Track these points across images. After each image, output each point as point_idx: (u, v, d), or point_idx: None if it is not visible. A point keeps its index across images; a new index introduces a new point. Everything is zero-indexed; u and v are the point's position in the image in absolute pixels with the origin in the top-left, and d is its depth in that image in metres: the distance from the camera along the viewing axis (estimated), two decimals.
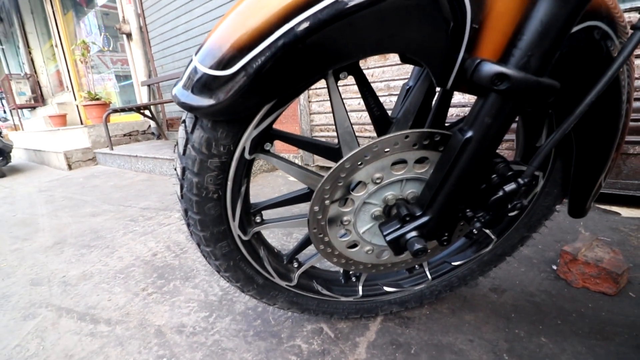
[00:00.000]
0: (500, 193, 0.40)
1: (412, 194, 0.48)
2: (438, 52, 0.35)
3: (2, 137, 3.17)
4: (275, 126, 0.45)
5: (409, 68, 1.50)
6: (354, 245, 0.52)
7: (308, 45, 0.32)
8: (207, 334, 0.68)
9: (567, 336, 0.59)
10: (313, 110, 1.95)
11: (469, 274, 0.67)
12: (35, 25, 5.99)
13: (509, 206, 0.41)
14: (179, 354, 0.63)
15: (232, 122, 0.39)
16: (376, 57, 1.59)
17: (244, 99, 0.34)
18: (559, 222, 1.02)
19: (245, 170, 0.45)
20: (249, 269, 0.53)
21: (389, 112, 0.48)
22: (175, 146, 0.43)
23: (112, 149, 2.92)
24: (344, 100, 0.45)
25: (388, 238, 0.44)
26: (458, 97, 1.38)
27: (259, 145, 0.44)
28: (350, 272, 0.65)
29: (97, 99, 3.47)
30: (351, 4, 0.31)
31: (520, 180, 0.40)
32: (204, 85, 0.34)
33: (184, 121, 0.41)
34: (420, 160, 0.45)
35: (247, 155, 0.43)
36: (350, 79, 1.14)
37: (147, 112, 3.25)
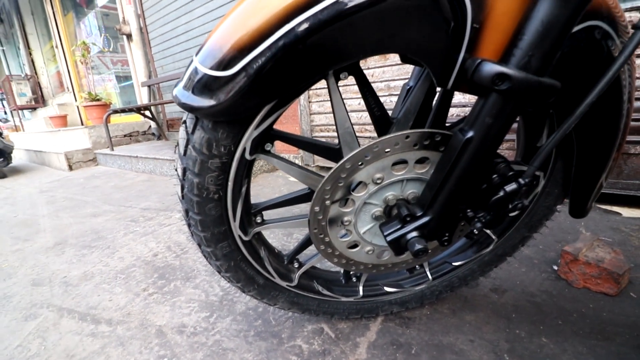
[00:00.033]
0: (501, 193, 0.40)
1: (412, 194, 0.48)
2: (438, 52, 0.35)
3: (2, 138, 3.17)
4: (276, 126, 0.45)
5: (409, 68, 1.50)
6: (355, 246, 0.52)
7: (308, 46, 0.32)
8: (207, 334, 0.68)
9: (568, 336, 0.59)
10: (313, 110, 1.95)
11: (469, 274, 0.67)
12: (36, 27, 6.00)
13: (510, 206, 0.41)
14: (180, 354, 0.63)
15: (233, 123, 0.39)
16: (376, 57, 1.59)
17: (244, 100, 0.34)
18: (560, 222, 1.02)
19: (245, 170, 0.45)
20: (249, 269, 0.53)
21: (390, 113, 0.48)
22: (176, 147, 0.43)
23: (112, 150, 2.92)
24: (344, 101, 0.45)
25: (389, 238, 0.44)
26: (458, 97, 1.37)
27: (260, 145, 0.44)
28: (351, 273, 0.65)
29: (98, 100, 3.47)
30: (351, 4, 0.31)
31: (521, 180, 0.40)
32: (204, 85, 0.34)
33: (184, 122, 0.41)
34: (420, 161, 0.45)
35: (247, 156, 0.43)
36: (350, 79, 1.14)
37: (147, 113, 3.25)
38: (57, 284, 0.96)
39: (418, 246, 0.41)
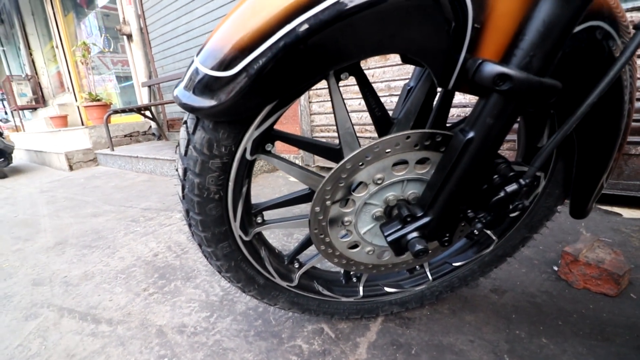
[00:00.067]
0: (502, 194, 0.40)
1: (413, 195, 0.48)
2: (439, 52, 0.35)
3: (3, 138, 3.18)
4: (276, 127, 0.45)
5: (409, 68, 1.50)
6: (355, 246, 0.52)
7: (309, 46, 0.32)
8: (208, 334, 0.68)
9: (567, 337, 0.59)
10: (313, 110, 1.95)
11: (469, 275, 0.67)
12: (36, 27, 6.01)
13: (511, 207, 0.41)
14: (180, 354, 0.63)
15: (234, 123, 0.39)
16: (377, 57, 1.59)
17: (245, 100, 0.34)
18: (560, 222, 1.02)
19: (246, 171, 0.45)
20: (250, 269, 0.53)
21: (390, 113, 0.48)
22: (177, 147, 0.43)
23: (113, 150, 2.92)
24: (345, 101, 0.45)
25: (389, 239, 0.44)
26: (459, 97, 1.37)
27: (260, 146, 0.44)
28: (351, 273, 0.65)
29: (98, 100, 3.48)
30: (352, 4, 0.31)
31: (521, 181, 0.40)
32: (205, 86, 0.34)
33: (185, 122, 0.41)
34: (421, 161, 0.45)
35: (248, 156, 0.43)
36: (351, 80, 1.14)
37: (147, 113, 3.25)
38: (57, 284, 0.96)
39: (418, 247, 0.41)
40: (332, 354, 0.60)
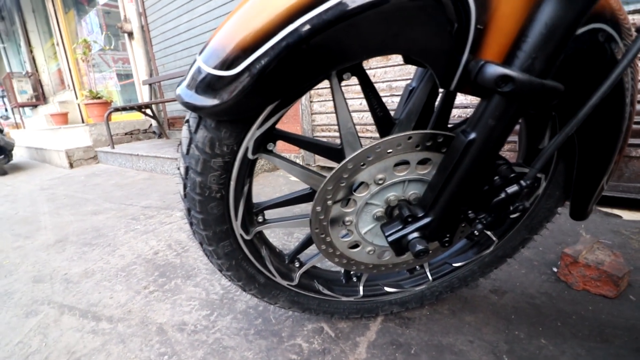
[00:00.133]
0: (503, 195, 0.40)
1: (414, 195, 0.48)
2: (442, 53, 0.35)
3: (3, 135, 3.18)
4: (277, 126, 0.45)
5: (411, 69, 1.50)
6: (356, 246, 0.52)
7: (312, 46, 0.32)
8: (208, 332, 0.68)
9: (567, 338, 0.59)
10: (315, 110, 1.95)
11: (469, 275, 0.67)
12: (37, 24, 6.01)
13: (511, 208, 0.41)
14: (180, 352, 0.63)
15: (236, 122, 0.39)
16: (378, 57, 1.59)
17: (247, 99, 0.34)
18: (560, 224, 1.02)
19: (248, 170, 0.45)
20: (250, 268, 0.53)
21: (392, 113, 0.48)
22: (179, 145, 0.43)
23: (113, 148, 2.92)
24: (346, 101, 0.45)
25: (390, 239, 0.44)
26: (460, 98, 1.37)
27: (262, 145, 0.44)
28: (352, 272, 0.65)
29: (99, 98, 3.47)
30: (355, 5, 0.31)
31: (522, 182, 0.40)
32: (207, 85, 0.34)
33: (187, 121, 0.41)
34: (422, 162, 0.45)
35: (250, 155, 0.43)
36: (352, 79, 1.14)
37: (148, 111, 3.25)
38: (58, 281, 0.96)
39: (419, 247, 0.41)
40: (331, 353, 0.60)
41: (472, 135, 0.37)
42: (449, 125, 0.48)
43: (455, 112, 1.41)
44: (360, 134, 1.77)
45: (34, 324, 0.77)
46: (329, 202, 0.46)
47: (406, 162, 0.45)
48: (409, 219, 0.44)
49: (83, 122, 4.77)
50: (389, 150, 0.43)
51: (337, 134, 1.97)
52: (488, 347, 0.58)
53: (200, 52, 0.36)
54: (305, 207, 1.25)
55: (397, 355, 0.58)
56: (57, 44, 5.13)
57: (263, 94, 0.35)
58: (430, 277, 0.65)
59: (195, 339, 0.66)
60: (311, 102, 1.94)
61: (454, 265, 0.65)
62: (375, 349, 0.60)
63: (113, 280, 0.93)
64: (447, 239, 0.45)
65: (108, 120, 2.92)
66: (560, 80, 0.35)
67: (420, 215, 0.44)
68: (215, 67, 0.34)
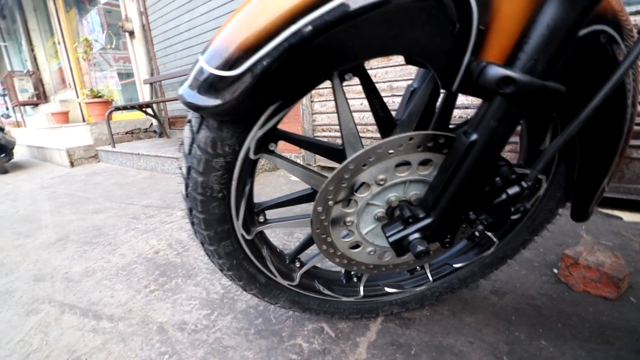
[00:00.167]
0: (504, 196, 0.40)
1: (415, 196, 0.48)
2: (444, 54, 0.36)
3: (4, 133, 3.18)
4: (278, 126, 0.45)
5: (411, 69, 1.50)
6: (357, 246, 0.52)
7: (314, 47, 0.32)
8: (208, 331, 0.68)
9: (567, 340, 0.59)
10: (315, 110, 1.95)
11: (470, 276, 0.67)
12: (38, 23, 6.01)
13: (512, 209, 0.41)
14: (181, 351, 0.63)
15: (238, 122, 0.39)
16: (379, 57, 1.59)
17: (250, 100, 0.34)
18: (561, 225, 1.02)
19: (249, 170, 0.45)
20: (251, 268, 0.53)
21: (393, 114, 0.48)
22: (181, 145, 0.43)
23: (114, 147, 2.93)
24: (348, 101, 0.45)
25: (391, 239, 0.44)
26: (460, 98, 1.37)
27: (264, 145, 0.44)
28: (352, 273, 0.66)
29: (100, 97, 3.48)
30: (357, 6, 0.31)
31: (523, 183, 0.40)
32: (210, 85, 0.35)
33: (189, 121, 0.41)
34: (424, 162, 0.45)
35: (251, 155, 0.43)
36: (352, 80, 1.14)
37: (149, 110, 3.26)
38: (58, 280, 0.96)
39: (420, 248, 0.41)
40: (332, 353, 0.60)
41: (474, 137, 0.37)
42: (451, 126, 0.49)
43: (456, 113, 1.41)
44: (360, 134, 1.77)
45: (34, 322, 0.77)
46: (330, 203, 0.46)
47: (407, 163, 0.45)
48: (410, 220, 0.44)
49: (84, 121, 4.78)
50: (390, 151, 0.43)
51: (337, 134, 1.97)
52: (488, 348, 0.58)
53: (203, 52, 0.36)
54: (306, 207, 1.25)
55: (397, 355, 0.58)
56: (59, 43, 5.13)
57: (265, 95, 0.35)
58: (430, 278, 0.65)
59: (196, 339, 0.66)
60: (312, 102, 1.95)
61: (455, 266, 0.65)
62: (376, 350, 0.60)
63: (114, 279, 0.93)
64: (448, 239, 0.46)
65: (109, 119, 2.93)
66: (562, 82, 0.35)
67: (421, 216, 0.44)
68: (217, 68, 0.34)
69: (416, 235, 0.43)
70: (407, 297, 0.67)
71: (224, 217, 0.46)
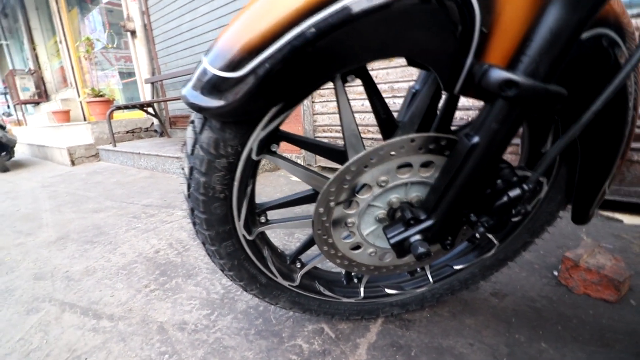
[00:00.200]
0: (505, 198, 0.40)
1: (416, 198, 0.48)
2: (446, 56, 0.36)
3: (5, 132, 3.18)
4: (280, 127, 0.45)
5: (413, 70, 1.50)
6: (358, 247, 0.52)
7: (317, 49, 0.32)
8: (208, 331, 0.68)
9: (567, 342, 0.59)
10: (316, 110, 1.95)
11: (470, 278, 0.67)
12: (40, 22, 6.03)
13: (513, 212, 0.41)
14: (181, 351, 0.63)
15: (241, 124, 0.40)
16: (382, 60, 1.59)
17: (253, 101, 0.35)
18: (561, 227, 1.02)
19: (251, 170, 0.46)
20: (252, 268, 0.54)
21: (395, 115, 0.48)
22: (183, 146, 0.43)
23: (115, 146, 2.93)
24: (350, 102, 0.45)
25: (392, 241, 0.44)
26: (462, 100, 1.37)
27: (266, 146, 0.44)
28: (353, 274, 0.66)
29: (101, 96, 3.48)
30: (360, 8, 0.31)
31: (525, 186, 0.40)
32: (213, 86, 0.35)
33: (192, 122, 0.41)
34: (425, 164, 0.45)
35: (254, 156, 0.43)
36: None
37: (150, 110, 3.26)
38: (59, 279, 0.96)
39: (421, 249, 0.42)
40: (332, 354, 0.60)
41: (476, 139, 0.37)
42: (452, 128, 0.49)
43: (457, 114, 1.41)
44: (361, 135, 1.77)
45: (35, 321, 0.77)
46: (332, 204, 0.46)
47: (409, 165, 0.45)
48: (411, 222, 0.44)
49: (85, 119, 4.78)
50: (392, 153, 0.43)
51: (338, 135, 1.97)
52: (488, 350, 0.58)
53: (207, 54, 0.36)
54: (306, 208, 1.25)
55: (397, 357, 0.58)
56: (60, 42, 5.14)
57: (268, 96, 0.35)
58: (431, 280, 0.65)
59: (196, 338, 0.67)
60: (313, 102, 1.95)
61: (455, 267, 0.65)
62: (376, 351, 0.60)
63: (114, 278, 0.93)
64: (449, 241, 0.46)
65: (110, 118, 2.93)
66: (564, 85, 0.35)
67: (422, 217, 0.44)
68: (221, 69, 0.34)
69: (417, 236, 0.43)
70: (408, 298, 0.67)
71: (225, 218, 0.46)
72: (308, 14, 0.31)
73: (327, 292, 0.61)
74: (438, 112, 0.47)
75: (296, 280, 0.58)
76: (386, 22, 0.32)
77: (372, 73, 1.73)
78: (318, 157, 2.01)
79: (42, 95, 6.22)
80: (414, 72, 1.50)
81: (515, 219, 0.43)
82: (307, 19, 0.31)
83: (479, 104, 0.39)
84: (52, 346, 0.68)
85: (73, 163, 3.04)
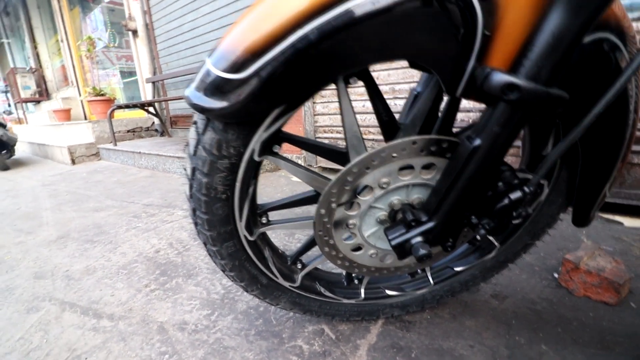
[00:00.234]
0: (506, 201, 0.41)
1: (418, 200, 0.48)
2: (448, 59, 0.36)
3: (6, 130, 3.19)
4: (282, 128, 0.45)
5: (414, 72, 1.50)
6: (359, 249, 0.52)
7: (320, 52, 0.33)
8: (209, 331, 0.68)
9: (567, 344, 0.59)
10: (317, 111, 1.95)
11: (471, 280, 0.67)
12: (42, 20, 6.04)
13: (514, 214, 0.41)
14: (181, 351, 0.63)
15: (243, 125, 0.40)
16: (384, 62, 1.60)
17: (255, 103, 0.35)
18: (562, 230, 1.02)
19: (253, 171, 0.46)
20: (253, 269, 0.54)
21: (396, 116, 0.48)
22: (186, 146, 0.43)
23: (115, 145, 2.93)
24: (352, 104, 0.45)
25: (393, 242, 0.44)
26: (463, 102, 1.38)
27: (268, 147, 0.45)
28: (353, 275, 0.66)
29: (102, 95, 3.49)
30: (363, 11, 0.31)
31: (526, 188, 0.40)
32: (216, 87, 0.35)
33: (195, 122, 0.41)
34: (427, 166, 0.45)
35: (256, 157, 0.43)
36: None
37: (151, 109, 3.26)
38: (59, 278, 0.96)
39: (422, 251, 0.42)
40: (332, 355, 0.60)
41: (477, 142, 0.37)
42: (454, 131, 0.49)
43: (458, 116, 1.41)
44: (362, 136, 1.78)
45: (35, 320, 0.77)
46: (333, 205, 0.46)
47: (410, 167, 0.45)
48: (413, 223, 0.44)
49: (86, 118, 4.78)
50: (393, 155, 0.43)
51: (339, 136, 1.97)
52: (488, 352, 0.58)
53: (210, 55, 0.36)
54: (307, 208, 1.25)
55: (398, 358, 0.58)
56: (62, 41, 5.15)
57: (271, 98, 0.35)
58: (431, 281, 0.65)
59: (196, 339, 0.67)
60: (314, 103, 1.95)
61: (456, 269, 0.66)
62: (376, 352, 0.60)
63: (114, 278, 0.94)
64: (450, 243, 0.46)
65: (111, 118, 2.93)
66: (565, 89, 0.35)
67: (423, 219, 0.44)
68: (224, 70, 0.34)
69: (418, 238, 0.43)
70: (408, 299, 0.67)
71: (227, 218, 0.46)
72: (311, 16, 0.32)
73: (327, 293, 0.61)
74: (440, 114, 0.47)
75: (297, 281, 0.58)
76: (389, 25, 0.33)
77: (373, 74, 1.73)
78: (318, 157, 2.01)
79: (43, 93, 6.23)
80: (415, 74, 1.50)
81: (516, 222, 0.43)
82: (311, 22, 0.32)
83: (480, 106, 0.39)
84: (52, 345, 0.68)
85: (74, 162, 3.04)
